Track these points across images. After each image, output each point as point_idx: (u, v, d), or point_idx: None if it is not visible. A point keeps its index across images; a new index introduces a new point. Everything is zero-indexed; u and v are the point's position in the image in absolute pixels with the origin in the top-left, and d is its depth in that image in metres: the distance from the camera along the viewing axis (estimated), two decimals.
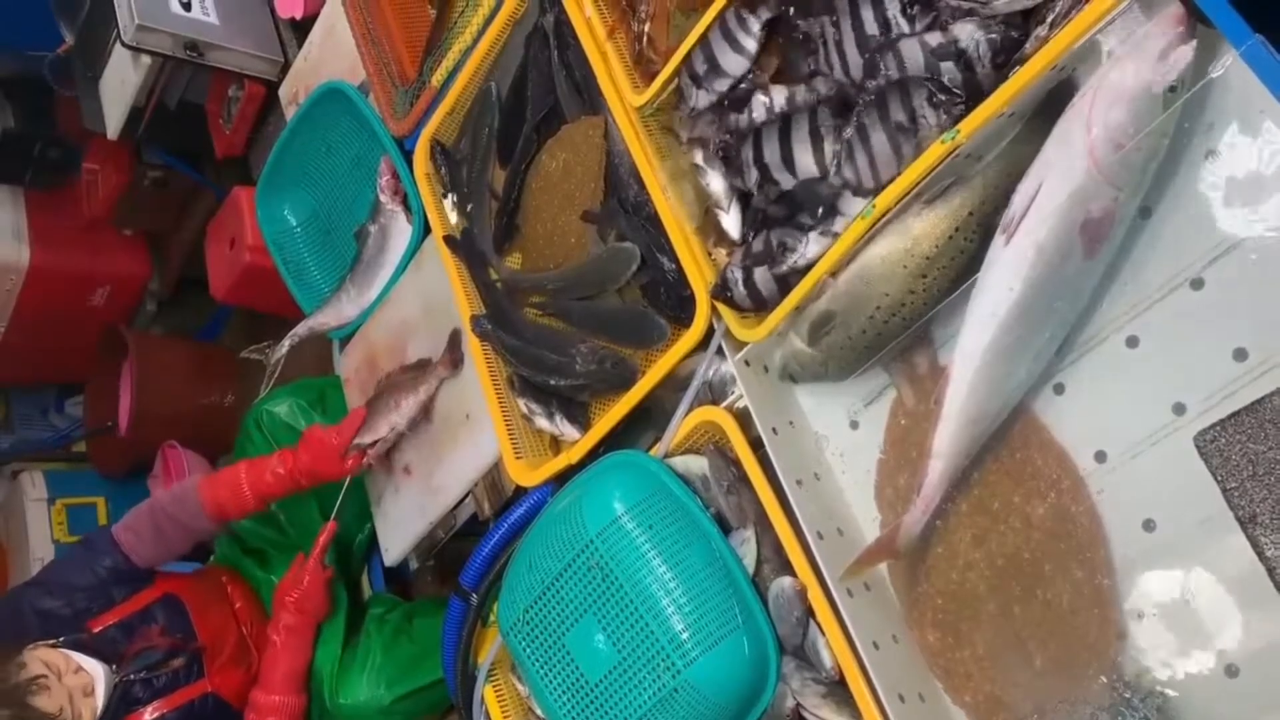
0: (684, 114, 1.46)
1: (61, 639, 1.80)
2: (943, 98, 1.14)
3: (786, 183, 1.33)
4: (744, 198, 1.42)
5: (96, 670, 1.77)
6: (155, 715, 1.86)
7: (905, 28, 1.21)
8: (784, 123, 1.33)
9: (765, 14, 1.36)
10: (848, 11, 1.26)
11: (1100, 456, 1.14)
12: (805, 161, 1.31)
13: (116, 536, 1.96)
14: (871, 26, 1.24)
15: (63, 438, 3.79)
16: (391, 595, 2.26)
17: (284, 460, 1.96)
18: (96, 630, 1.88)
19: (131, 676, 1.85)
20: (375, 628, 2.07)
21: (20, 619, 1.87)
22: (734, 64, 1.40)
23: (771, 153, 1.33)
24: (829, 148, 1.28)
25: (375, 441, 1.96)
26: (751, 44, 1.37)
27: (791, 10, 1.35)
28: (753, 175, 1.36)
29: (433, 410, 1.95)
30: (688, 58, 1.43)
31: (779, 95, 1.37)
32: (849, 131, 1.23)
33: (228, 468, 2.01)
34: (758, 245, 1.36)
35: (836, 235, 1.27)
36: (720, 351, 1.44)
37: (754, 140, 1.36)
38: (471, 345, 1.79)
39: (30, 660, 1.70)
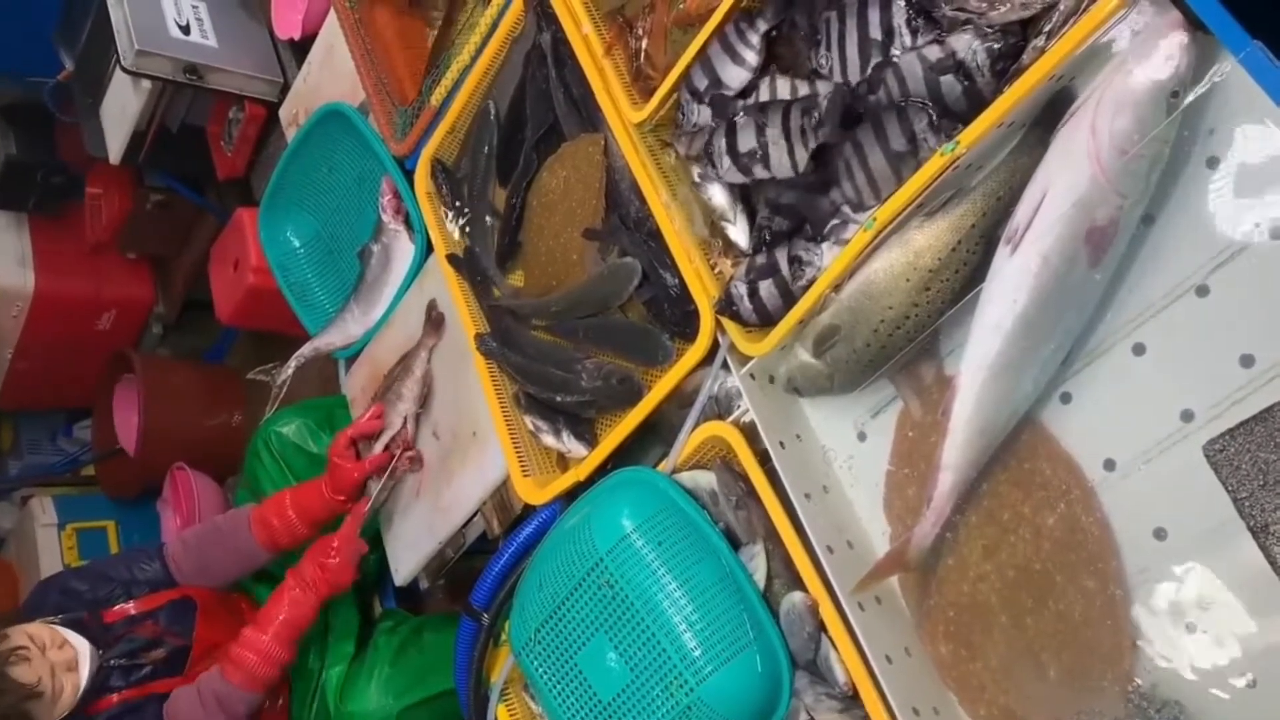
0: (685, 129, 1.45)
1: (60, 617, 1.83)
2: (945, 120, 1.13)
3: (760, 174, 1.33)
4: (750, 209, 1.43)
5: (82, 646, 1.79)
6: (121, 701, 1.85)
7: (908, 40, 1.21)
8: (761, 115, 1.33)
9: (764, 25, 1.36)
10: (855, 9, 1.26)
11: (1109, 465, 1.14)
12: (779, 157, 1.31)
13: (165, 547, 2.05)
14: (876, 30, 1.24)
15: (71, 462, 3.80)
16: (402, 611, 2.26)
17: (322, 481, 2.00)
18: (108, 621, 1.90)
19: (112, 662, 1.85)
20: (384, 639, 2.07)
21: (46, 595, 1.93)
22: (735, 77, 1.40)
23: (746, 143, 1.33)
24: (799, 150, 1.29)
25: (394, 436, 1.98)
26: (752, 56, 1.37)
27: (794, 20, 1.35)
28: (724, 163, 1.36)
29: (433, 389, 1.97)
30: (687, 74, 1.43)
31: (766, 88, 1.38)
32: (847, 148, 1.23)
33: (275, 495, 2.05)
34: (761, 259, 1.35)
35: (848, 242, 1.26)
36: (725, 366, 1.44)
37: (728, 130, 1.36)
38: (477, 363, 1.79)
39: (14, 633, 1.73)
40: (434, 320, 1.97)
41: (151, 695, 1.88)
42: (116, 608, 1.93)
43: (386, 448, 1.97)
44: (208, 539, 2.04)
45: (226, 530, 2.03)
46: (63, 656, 1.76)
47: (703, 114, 1.44)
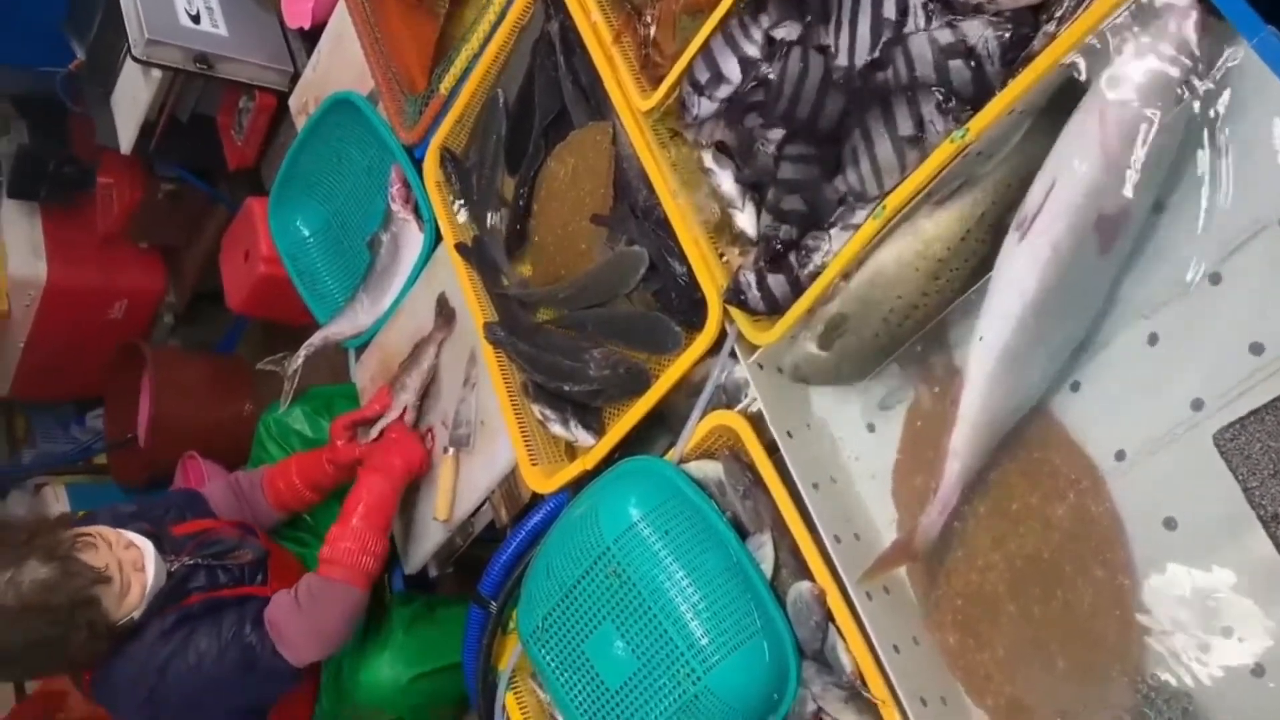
0: (687, 121, 1.45)
1: (129, 527, 1.82)
2: (953, 104, 1.12)
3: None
4: (757, 196, 1.42)
5: (147, 547, 1.78)
6: (208, 598, 1.84)
7: (921, 21, 1.20)
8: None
9: (769, 20, 1.35)
10: None
11: (1119, 454, 1.13)
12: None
13: (201, 490, 2.12)
14: (890, 10, 1.22)
15: (84, 451, 3.81)
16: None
17: (324, 451, 2.08)
18: (176, 534, 1.90)
19: (199, 561, 1.85)
20: (397, 612, 2.08)
21: (93, 515, 1.92)
22: (737, 71, 1.39)
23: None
24: None
25: (391, 423, 2.01)
26: (754, 51, 1.36)
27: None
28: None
29: (441, 399, 1.99)
30: (689, 67, 1.43)
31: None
32: (855, 135, 1.23)
33: (285, 460, 2.15)
34: (771, 251, 1.35)
35: (857, 226, 1.26)
36: (733, 355, 1.43)
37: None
38: (485, 352, 1.79)
39: (79, 528, 1.74)
40: (445, 315, 1.98)
41: (238, 597, 1.86)
42: (180, 524, 1.94)
43: (381, 433, 2.01)
44: (236, 495, 2.10)
45: (245, 488, 2.12)
46: (129, 556, 1.74)
47: (704, 106, 1.43)
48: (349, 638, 1.87)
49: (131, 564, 1.74)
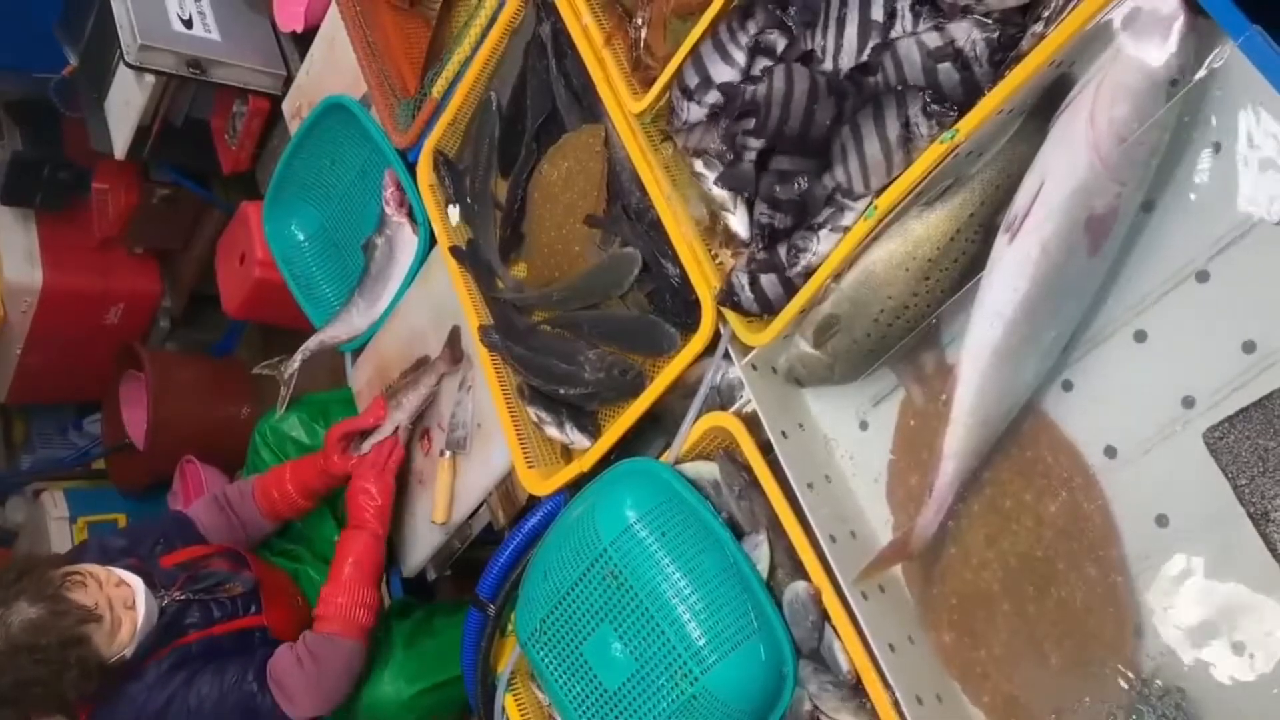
0: (676, 126, 1.45)
1: (118, 564, 1.83)
2: (937, 107, 1.13)
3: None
4: (750, 199, 1.42)
5: (137, 585, 1.78)
6: (205, 637, 1.85)
7: (909, 23, 1.21)
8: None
9: (756, 26, 1.35)
10: None
11: (1111, 452, 1.14)
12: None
13: (189, 511, 2.11)
14: (878, 11, 1.23)
15: (82, 455, 3.81)
16: (412, 599, 2.27)
17: (318, 458, 2.08)
18: (165, 566, 1.90)
19: (190, 597, 1.86)
20: (396, 625, 2.08)
21: (82, 551, 1.94)
22: (725, 75, 1.40)
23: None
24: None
25: (384, 440, 2.01)
26: (742, 57, 1.37)
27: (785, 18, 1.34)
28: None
29: (439, 404, 1.98)
30: (679, 71, 1.43)
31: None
32: (845, 131, 1.23)
33: (277, 467, 2.14)
34: (761, 249, 1.35)
35: (846, 229, 1.26)
36: (727, 356, 1.44)
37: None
38: (480, 355, 1.80)
39: (69, 568, 1.74)
40: (454, 352, 1.95)
41: (233, 631, 1.88)
42: (169, 555, 1.94)
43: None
44: (224, 508, 2.10)
45: (235, 500, 2.11)
46: (120, 594, 1.75)
47: (693, 112, 1.43)
48: (350, 692, 1.90)
49: (122, 601, 1.75)
